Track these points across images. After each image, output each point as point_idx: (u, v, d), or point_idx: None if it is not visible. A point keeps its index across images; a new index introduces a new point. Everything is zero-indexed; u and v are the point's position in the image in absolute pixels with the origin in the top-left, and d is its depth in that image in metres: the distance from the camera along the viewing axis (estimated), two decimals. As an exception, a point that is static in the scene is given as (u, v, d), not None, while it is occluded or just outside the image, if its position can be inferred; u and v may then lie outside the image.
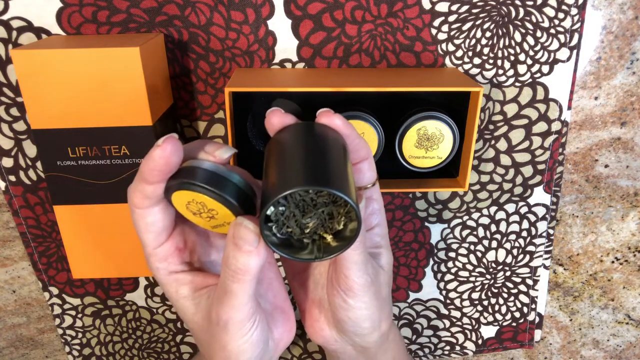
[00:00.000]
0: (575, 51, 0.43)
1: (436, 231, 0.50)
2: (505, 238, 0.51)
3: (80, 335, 0.54)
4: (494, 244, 0.51)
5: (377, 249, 0.34)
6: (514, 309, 0.55)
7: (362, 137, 0.31)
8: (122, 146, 0.38)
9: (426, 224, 0.50)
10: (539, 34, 0.42)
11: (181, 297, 0.32)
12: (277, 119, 0.30)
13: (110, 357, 0.56)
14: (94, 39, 0.38)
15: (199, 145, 0.30)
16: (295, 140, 0.29)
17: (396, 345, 0.39)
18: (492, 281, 0.53)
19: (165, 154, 0.27)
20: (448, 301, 0.54)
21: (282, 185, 0.26)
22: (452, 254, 0.52)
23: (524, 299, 0.54)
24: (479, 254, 0.52)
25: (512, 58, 0.43)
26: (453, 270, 0.53)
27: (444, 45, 0.42)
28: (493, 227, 0.50)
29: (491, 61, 0.43)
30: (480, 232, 0.51)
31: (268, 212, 0.28)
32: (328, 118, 0.30)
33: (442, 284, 0.53)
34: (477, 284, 0.53)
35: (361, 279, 0.31)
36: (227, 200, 0.27)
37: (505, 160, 0.47)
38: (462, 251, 0.52)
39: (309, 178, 0.26)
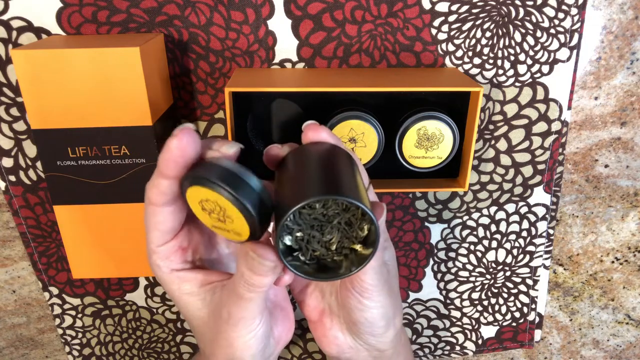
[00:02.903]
0: (575, 51, 0.43)
1: (436, 231, 0.50)
2: (505, 238, 0.51)
3: (80, 335, 0.54)
4: (494, 244, 0.51)
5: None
6: (514, 309, 0.55)
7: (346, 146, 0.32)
8: (122, 146, 0.38)
9: (426, 224, 0.50)
10: (539, 34, 0.42)
11: (184, 293, 0.32)
12: (273, 153, 0.31)
13: (110, 357, 0.56)
14: (94, 39, 0.38)
15: (206, 143, 0.30)
16: (294, 165, 0.29)
17: (406, 350, 0.39)
18: (492, 281, 0.53)
19: (181, 144, 0.27)
20: (448, 301, 0.54)
21: (288, 205, 0.25)
22: (452, 254, 0.52)
23: (524, 299, 0.54)
24: (479, 254, 0.52)
25: (512, 58, 0.43)
26: (453, 270, 0.53)
27: (444, 45, 0.42)
28: (493, 227, 0.50)
29: (491, 61, 0.43)
30: (480, 232, 0.51)
31: (288, 243, 0.28)
32: (315, 133, 0.30)
33: (442, 284, 0.53)
34: (477, 284, 0.53)
35: (376, 281, 0.31)
36: (242, 204, 0.26)
37: (505, 160, 0.47)
38: (462, 251, 0.52)
39: (308, 192, 0.25)
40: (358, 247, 0.28)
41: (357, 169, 0.30)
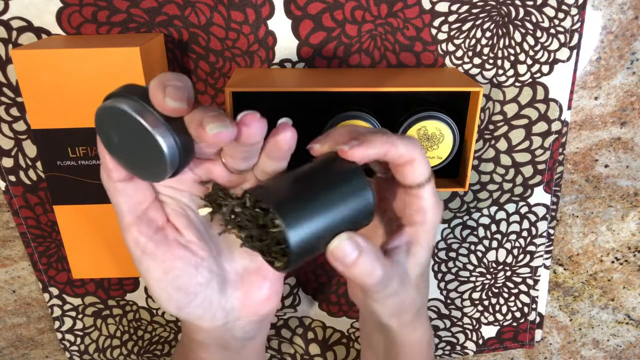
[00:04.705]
0: (575, 51, 0.43)
1: (436, 231, 0.50)
2: (505, 238, 0.51)
3: (80, 335, 0.54)
4: (495, 244, 0.51)
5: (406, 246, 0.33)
6: (514, 308, 0.55)
7: (403, 141, 0.29)
8: (122, 146, 0.38)
9: (426, 224, 0.50)
10: (539, 34, 0.42)
11: None
12: (312, 147, 0.31)
13: (111, 356, 0.56)
14: (94, 39, 0.38)
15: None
16: (302, 167, 0.30)
17: (420, 345, 0.38)
18: (493, 281, 0.53)
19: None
20: (449, 301, 0.54)
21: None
22: (453, 254, 0.52)
23: (524, 298, 0.54)
24: (480, 254, 0.52)
25: (512, 58, 0.43)
26: (453, 270, 0.53)
27: (444, 45, 0.42)
28: (493, 227, 0.50)
29: (491, 61, 0.43)
30: (481, 232, 0.51)
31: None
32: (347, 155, 0.28)
33: (442, 284, 0.53)
34: (477, 284, 0.53)
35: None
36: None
37: (505, 160, 0.47)
38: (463, 251, 0.52)
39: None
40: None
41: (346, 204, 0.28)
